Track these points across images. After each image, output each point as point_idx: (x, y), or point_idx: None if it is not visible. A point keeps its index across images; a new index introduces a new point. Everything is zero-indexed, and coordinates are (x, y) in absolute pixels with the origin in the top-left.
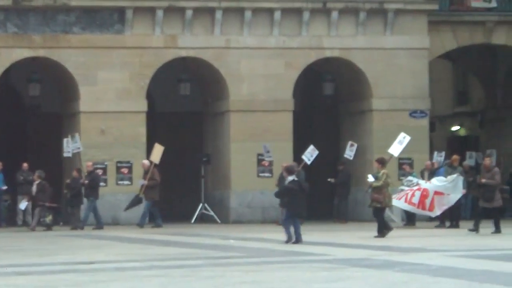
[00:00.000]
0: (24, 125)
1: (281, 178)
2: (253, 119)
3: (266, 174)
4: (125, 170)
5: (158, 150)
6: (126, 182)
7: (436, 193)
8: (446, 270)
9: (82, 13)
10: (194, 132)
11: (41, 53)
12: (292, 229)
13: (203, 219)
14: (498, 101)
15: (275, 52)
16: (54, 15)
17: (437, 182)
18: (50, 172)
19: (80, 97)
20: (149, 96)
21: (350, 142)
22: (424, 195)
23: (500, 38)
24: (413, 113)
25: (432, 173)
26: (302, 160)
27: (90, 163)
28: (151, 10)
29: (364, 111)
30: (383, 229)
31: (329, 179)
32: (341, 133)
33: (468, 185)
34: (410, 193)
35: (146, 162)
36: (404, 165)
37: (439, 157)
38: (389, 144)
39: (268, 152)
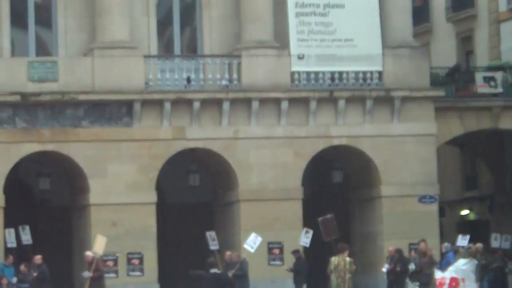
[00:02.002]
0: (35, 219)
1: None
2: (262, 208)
3: (277, 262)
4: (136, 261)
5: (101, 241)
6: (137, 273)
7: (452, 279)
8: None
9: (90, 107)
10: (205, 222)
11: (50, 147)
12: None
13: None
14: (506, 185)
15: (283, 142)
16: (62, 110)
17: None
18: (60, 265)
19: (90, 190)
20: (159, 187)
21: (305, 229)
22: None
23: (507, 123)
24: (422, 199)
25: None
26: (245, 249)
27: (38, 257)
28: (159, 103)
29: (373, 197)
30: None
31: (286, 268)
32: (351, 221)
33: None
34: None
35: (89, 254)
36: (412, 251)
37: (463, 240)
38: (399, 231)
39: (213, 240)
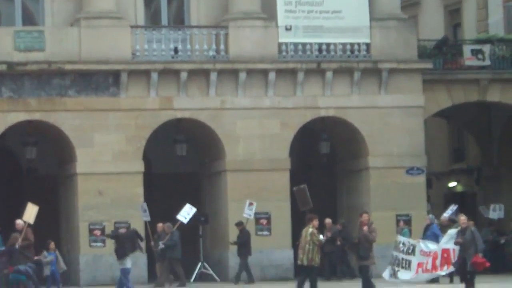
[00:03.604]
0: (21, 188)
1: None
2: (250, 178)
3: (265, 233)
4: (123, 230)
5: (31, 210)
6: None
7: (443, 251)
8: None
9: (77, 76)
10: (192, 192)
11: (36, 116)
12: None
13: (202, 278)
14: (493, 158)
15: (270, 112)
16: (49, 79)
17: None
18: (47, 233)
19: (77, 159)
20: (146, 157)
21: (248, 201)
22: (434, 258)
23: (494, 95)
24: (409, 171)
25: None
26: (178, 220)
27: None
28: (146, 73)
29: (360, 169)
30: None
31: (231, 241)
32: (338, 192)
33: None
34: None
35: (20, 222)
36: (401, 221)
37: (450, 211)
38: (386, 202)
39: (145, 211)
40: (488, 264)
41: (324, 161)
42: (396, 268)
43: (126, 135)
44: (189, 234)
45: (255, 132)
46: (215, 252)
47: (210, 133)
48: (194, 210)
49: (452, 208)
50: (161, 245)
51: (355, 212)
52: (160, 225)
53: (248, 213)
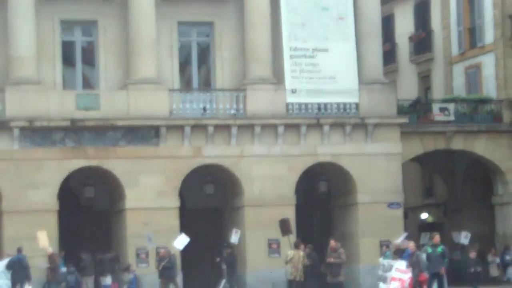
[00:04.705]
0: (81, 222)
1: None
2: (263, 212)
3: (275, 255)
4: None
5: (42, 236)
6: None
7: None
8: None
9: (126, 130)
10: (217, 223)
11: (94, 162)
12: None
13: None
14: (457, 194)
15: (280, 159)
16: (103, 132)
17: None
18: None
19: (126, 197)
20: (181, 195)
21: (234, 229)
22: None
23: (458, 144)
24: (390, 205)
25: (402, 252)
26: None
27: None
28: (181, 127)
29: (351, 204)
30: None
31: (217, 259)
32: (333, 222)
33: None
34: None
35: (50, 249)
36: (384, 246)
37: (401, 237)
38: (372, 231)
39: (150, 239)
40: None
41: (322, 198)
42: (380, 283)
43: (165, 177)
44: (215, 257)
45: (267, 174)
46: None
47: (231, 176)
48: (187, 239)
49: (403, 235)
50: (161, 266)
51: (346, 238)
52: (162, 250)
53: (234, 239)
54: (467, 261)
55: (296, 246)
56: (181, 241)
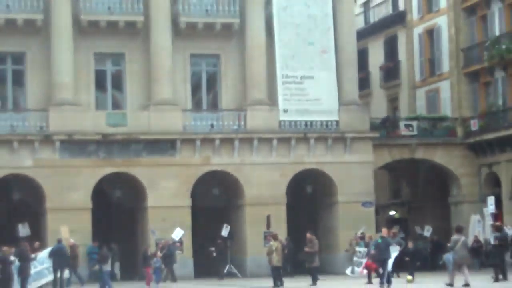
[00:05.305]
0: (112, 217)
1: (161, 249)
2: (260, 209)
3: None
4: (178, 244)
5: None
6: (178, 252)
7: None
8: None
9: (148, 143)
10: (222, 219)
11: (121, 170)
12: None
13: (228, 274)
14: (419, 195)
15: (274, 167)
16: (129, 145)
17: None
18: (129, 249)
19: (148, 197)
20: (193, 196)
21: (225, 225)
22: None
23: (420, 154)
24: (364, 204)
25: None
26: (173, 239)
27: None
28: (193, 141)
29: (333, 203)
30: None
31: (210, 248)
32: (318, 218)
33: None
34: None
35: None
36: (358, 238)
37: (359, 231)
38: (349, 225)
39: (154, 233)
40: (375, 266)
41: (308, 198)
42: (355, 267)
43: (180, 181)
44: (222, 246)
45: (263, 179)
46: (238, 257)
47: (234, 180)
48: (182, 232)
49: (362, 229)
50: (162, 254)
51: (329, 231)
52: (163, 241)
53: (225, 232)
54: (427, 249)
55: (275, 238)
56: (178, 232)
